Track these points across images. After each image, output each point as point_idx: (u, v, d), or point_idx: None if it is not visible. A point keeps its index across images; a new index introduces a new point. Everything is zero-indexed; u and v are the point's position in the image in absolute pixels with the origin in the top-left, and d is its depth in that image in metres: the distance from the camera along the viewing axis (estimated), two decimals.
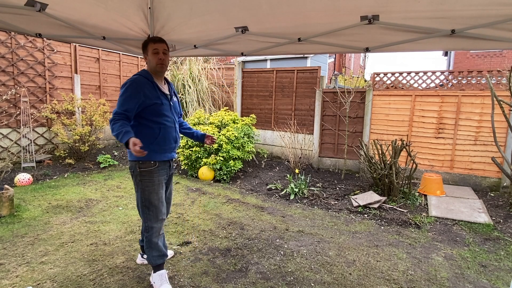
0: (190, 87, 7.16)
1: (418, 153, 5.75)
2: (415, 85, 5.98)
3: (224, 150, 5.59)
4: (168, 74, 7.57)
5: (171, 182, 2.55)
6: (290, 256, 3.04)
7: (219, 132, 5.87)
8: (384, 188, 4.79)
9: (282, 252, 3.12)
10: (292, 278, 2.67)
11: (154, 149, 2.24)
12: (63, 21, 2.55)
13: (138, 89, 2.16)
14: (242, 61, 8.39)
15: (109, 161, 6.55)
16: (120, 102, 2.16)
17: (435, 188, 5.00)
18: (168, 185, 2.50)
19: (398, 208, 4.42)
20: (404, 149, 4.69)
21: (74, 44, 6.82)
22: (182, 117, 2.70)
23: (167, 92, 2.37)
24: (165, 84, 2.42)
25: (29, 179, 5.15)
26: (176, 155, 2.49)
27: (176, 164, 6.80)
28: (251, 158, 6.22)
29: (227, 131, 5.77)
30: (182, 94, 7.11)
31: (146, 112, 2.21)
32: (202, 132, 2.73)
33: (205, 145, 2.75)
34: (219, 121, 6.09)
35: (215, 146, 5.59)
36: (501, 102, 4.40)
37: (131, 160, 2.30)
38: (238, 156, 5.78)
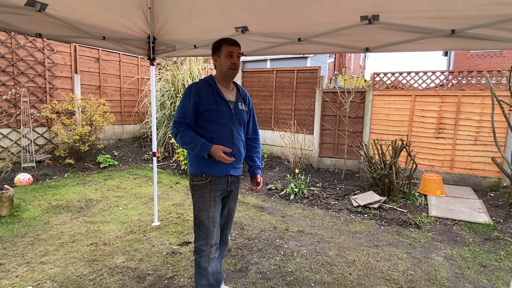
0: None
1: (418, 153, 5.75)
2: (415, 85, 5.98)
3: None
4: (168, 74, 7.57)
5: (231, 200, 2.21)
6: (290, 256, 3.04)
7: None
8: (384, 188, 4.79)
9: (282, 252, 3.12)
10: (292, 278, 2.67)
11: (205, 161, 1.98)
12: (63, 21, 2.56)
13: (195, 94, 1.98)
14: (242, 61, 8.39)
15: (109, 161, 6.55)
16: (178, 110, 2.04)
17: (435, 188, 5.00)
18: (226, 204, 2.18)
19: (398, 208, 4.42)
20: (404, 149, 4.69)
21: (74, 44, 6.82)
22: (254, 133, 2.32)
23: (231, 99, 2.10)
24: (233, 90, 2.16)
25: (29, 179, 5.15)
26: (237, 170, 2.16)
27: (176, 164, 6.79)
28: None
29: None
30: (182, 94, 7.11)
31: (200, 118, 2.01)
32: (256, 170, 2.30)
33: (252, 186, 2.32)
34: None
35: None
36: (501, 102, 4.40)
37: (189, 172, 2.11)
38: None
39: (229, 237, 2.32)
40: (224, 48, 2.03)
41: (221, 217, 2.16)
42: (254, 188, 2.29)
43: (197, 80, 2.17)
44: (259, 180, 2.26)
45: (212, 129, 2.00)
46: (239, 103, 2.14)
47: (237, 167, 2.15)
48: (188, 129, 1.96)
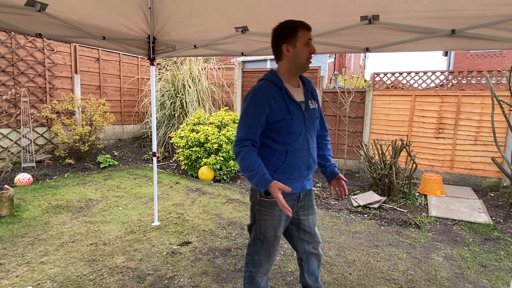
0: (190, 87, 7.16)
1: (418, 153, 5.75)
2: (415, 85, 5.98)
3: (224, 150, 5.59)
4: (168, 74, 7.57)
5: (308, 214, 1.90)
6: (290, 256, 3.04)
7: (219, 132, 5.87)
8: (384, 188, 4.79)
9: (282, 252, 3.12)
10: (292, 278, 2.66)
11: (278, 178, 1.64)
12: (63, 21, 2.56)
13: (263, 103, 1.62)
14: (242, 61, 8.39)
15: (109, 161, 6.56)
16: (242, 122, 1.67)
17: (435, 188, 5.00)
18: (302, 220, 1.88)
19: (398, 208, 4.42)
20: (404, 149, 4.69)
21: (74, 44, 6.81)
22: (323, 129, 1.98)
23: (301, 99, 1.75)
24: (299, 86, 1.80)
25: (29, 179, 5.15)
26: (310, 182, 1.88)
27: (176, 164, 6.79)
28: None
29: (227, 131, 5.77)
30: (182, 94, 7.11)
31: (270, 130, 1.67)
32: (335, 169, 1.97)
33: (332, 191, 2.01)
34: (219, 121, 6.09)
35: (215, 146, 5.59)
36: (501, 102, 4.40)
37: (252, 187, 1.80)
38: None
39: (319, 249, 2.03)
40: (301, 34, 1.63)
41: (303, 233, 1.91)
42: (341, 189, 1.95)
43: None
44: (344, 178, 1.93)
45: (285, 141, 1.68)
46: (309, 101, 1.78)
47: (310, 178, 1.88)
48: (251, 151, 1.61)
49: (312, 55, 1.71)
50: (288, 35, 1.65)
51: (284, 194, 1.61)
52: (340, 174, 1.93)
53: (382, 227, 3.86)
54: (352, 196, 4.86)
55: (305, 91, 1.79)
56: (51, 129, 6.43)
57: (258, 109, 1.62)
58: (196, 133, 5.87)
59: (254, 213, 1.81)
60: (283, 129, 1.66)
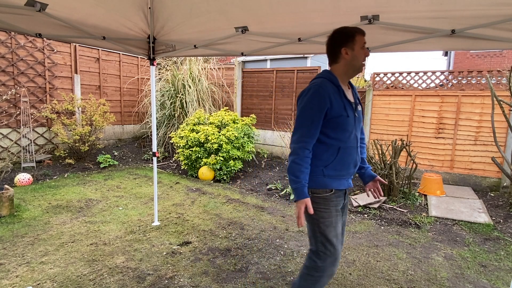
0: (190, 87, 7.16)
1: (418, 153, 5.75)
2: (415, 85, 5.98)
3: (224, 150, 5.59)
4: (168, 74, 7.57)
5: (345, 214, 1.99)
6: (290, 256, 3.04)
7: (219, 132, 5.87)
8: (384, 188, 4.79)
9: (282, 252, 3.12)
10: (292, 278, 2.66)
11: (329, 173, 1.74)
12: (63, 21, 2.56)
13: (326, 97, 1.67)
14: (242, 61, 8.39)
15: (109, 161, 6.56)
16: (302, 120, 1.71)
17: (435, 188, 5.00)
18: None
19: (398, 208, 4.42)
20: (404, 149, 4.69)
21: (74, 44, 6.81)
22: (362, 133, 1.97)
23: (352, 100, 1.82)
24: (349, 88, 1.87)
25: (29, 179, 5.15)
26: (351, 181, 1.92)
27: (176, 164, 6.79)
28: (251, 158, 6.22)
29: (227, 131, 5.77)
30: (182, 94, 7.11)
31: (326, 126, 1.72)
32: (371, 172, 2.04)
33: (368, 193, 2.08)
34: (219, 121, 6.09)
35: (215, 146, 5.59)
36: (501, 102, 4.40)
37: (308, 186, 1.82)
38: (238, 156, 5.78)
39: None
40: (358, 39, 1.73)
41: None
42: (377, 191, 2.02)
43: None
44: (383, 181, 2.01)
45: (339, 137, 1.73)
46: (358, 104, 1.87)
47: (352, 177, 1.94)
48: (307, 158, 1.68)
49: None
50: (348, 39, 1.73)
51: (334, 189, 1.76)
52: (379, 177, 2.02)
53: (382, 227, 3.86)
54: (352, 196, 4.86)
55: (353, 94, 1.87)
56: (51, 129, 6.43)
57: (321, 103, 1.67)
58: (196, 133, 5.87)
59: (312, 215, 1.77)
60: (339, 126, 1.72)
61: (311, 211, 1.64)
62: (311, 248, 1.87)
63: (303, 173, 1.67)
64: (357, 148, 1.83)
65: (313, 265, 1.83)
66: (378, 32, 2.38)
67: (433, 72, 5.84)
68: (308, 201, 1.65)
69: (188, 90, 7.13)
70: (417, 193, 5.01)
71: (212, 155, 5.68)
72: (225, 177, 5.75)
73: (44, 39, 6.12)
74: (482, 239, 3.58)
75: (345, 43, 1.73)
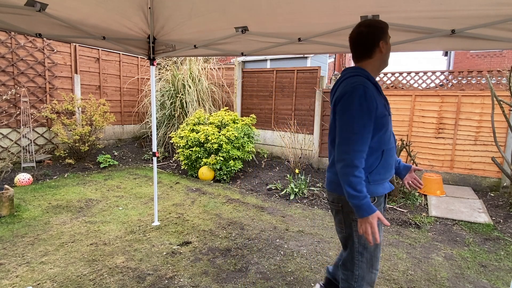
0: (190, 87, 7.16)
1: (418, 153, 5.75)
2: (415, 85, 5.98)
3: (224, 150, 5.59)
4: (168, 74, 7.57)
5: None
6: (290, 256, 3.04)
7: (219, 132, 5.87)
8: None
9: (282, 252, 3.12)
10: (292, 278, 2.67)
11: (374, 179, 1.60)
12: (63, 21, 2.56)
13: (372, 100, 1.51)
14: (242, 61, 8.39)
15: (109, 161, 6.55)
16: (353, 127, 1.49)
17: (435, 188, 5.00)
18: None
19: (398, 208, 4.42)
20: (404, 149, 4.69)
21: (74, 44, 6.81)
22: None
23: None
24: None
25: (29, 179, 5.15)
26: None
27: (176, 164, 6.80)
28: (251, 158, 6.22)
29: (227, 131, 5.77)
30: (182, 94, 7.11)
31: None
32: (405, 164, 1.93)
33: (408, 186, 1.93)
34: (219, 121, 6.09)
35: (215, 146, 5.59)
36: (501, 102, 4.40)
37: (335, 192, 1.68)
38: (238, 156, 5.78)
39: None
40: (388, 31, 1.62)
41: None
42: (415, 181, 1.89)
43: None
44: (419, 168, 1.90)
45: (381, 139, 1.59)
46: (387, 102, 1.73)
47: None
48: (363, 168, 1.50)
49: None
50: (384, 31, 1.62)
51: (377, 196, 1.63)
52: (414, 166, 1.92)
53: (382, 227, 3.86)
54: None
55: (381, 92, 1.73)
56: (51, 129, 6.43)
57: (370, 105, 1.50)
58: (196, 133, 5.87)
59: (350, 223, 1.66)
60: (383, 127, 1.57)
61: (386, 222, 1.44)
62: (346, 257, 1.70)
63: (364, 185, 1.48)
64: (395, 147, 1.72)
65: (350, 276, 1.70)
66: None
67: (433, 72, 5.84)
68: (379, 213, 1.46)
69: (188, 90, 7.13)
70: (417, 193, 5.01)
71: (212, 155, 5.68)
72: (225, 177, 5.75)
73: (44, 39, 6.11)
74: (482, 239, 3.58)
75: (382, 36, 1.60)
